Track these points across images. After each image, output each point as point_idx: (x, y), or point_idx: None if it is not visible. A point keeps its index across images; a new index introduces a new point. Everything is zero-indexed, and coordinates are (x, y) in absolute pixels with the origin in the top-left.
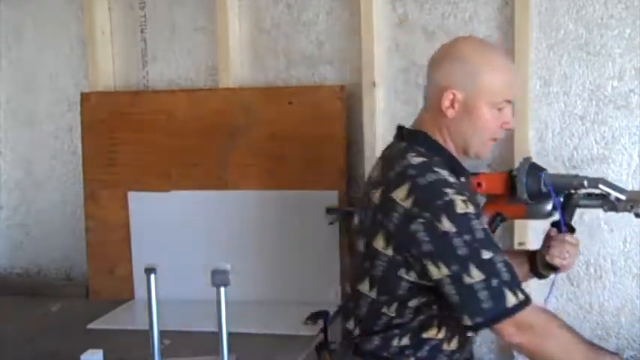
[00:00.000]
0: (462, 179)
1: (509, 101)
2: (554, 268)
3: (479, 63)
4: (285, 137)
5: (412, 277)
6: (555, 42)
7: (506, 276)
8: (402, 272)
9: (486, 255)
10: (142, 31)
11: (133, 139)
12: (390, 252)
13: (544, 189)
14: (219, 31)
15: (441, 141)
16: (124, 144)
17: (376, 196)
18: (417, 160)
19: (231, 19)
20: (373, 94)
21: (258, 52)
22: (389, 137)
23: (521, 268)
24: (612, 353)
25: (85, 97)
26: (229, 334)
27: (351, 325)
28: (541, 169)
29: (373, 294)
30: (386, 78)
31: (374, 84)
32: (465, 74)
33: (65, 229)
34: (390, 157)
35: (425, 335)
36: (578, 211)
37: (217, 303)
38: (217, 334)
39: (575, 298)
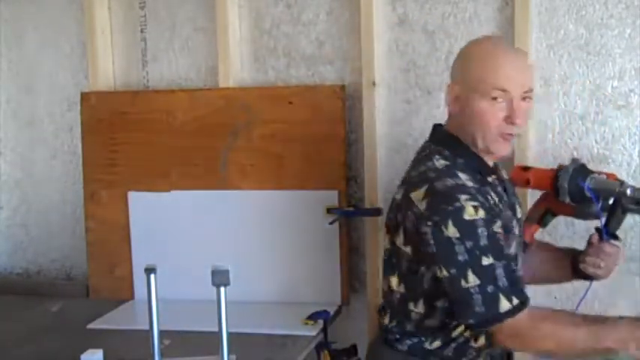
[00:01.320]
0: (492, 178)
1: (504, 90)
2: (588, 276)
3: (470, 54)
4: (285, 137)
5: (430, 274)
6: (555, 42)
7: (503, 282)
8: (422, 269)
9: (486, 261)
10: (142, 31)
11: (133, 139)
12: (409, 250)
13: (588, 194)
14: (219, 31)
15: (461, 137)
16: (124, 144)
17: (399, 195)
18: (440, 163)
19: (231, 19)
20: (373, 94)
21: (258, 52)
22: (389, 137)
23: (563, 270)
24: (617, 319)
25: (85, 97)
26: (229, 334)
27: (386, 319)
28: (587, 174)
29: (402, 289)
30: (386, 78)
31: (374, 84)
32: (459, 68)
33: (65, 229)
34: (418, 158)
35: (454, 334)
36: None
37: (217, 303)
38: (217, 334)
39: (576, 298)
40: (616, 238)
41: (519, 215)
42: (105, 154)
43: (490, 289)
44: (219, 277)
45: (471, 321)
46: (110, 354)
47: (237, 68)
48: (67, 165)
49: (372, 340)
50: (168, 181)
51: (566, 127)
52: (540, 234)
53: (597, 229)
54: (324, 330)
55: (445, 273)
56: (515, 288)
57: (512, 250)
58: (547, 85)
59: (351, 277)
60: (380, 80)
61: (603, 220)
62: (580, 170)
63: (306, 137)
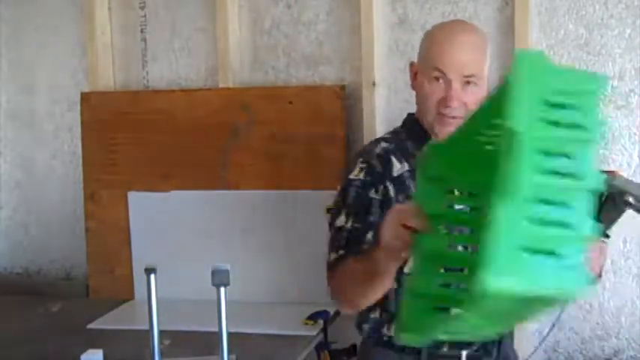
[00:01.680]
0: None
1: (442, 72)
2: None
3: (426, 36)
4: (285, 137)
5: None
6: (555, 42)
7: (342, 242)
8: None
9: (340, 222)
10: (142, 31)
11: (133, 139)
12: None
13: None
14: (219, 31)
15: (421, 118)
16: (124, 144)
17: None
18: (385, 136)
19: (231, 19)
20: (373, 94)
21: (258, 52)
22: None
23: None
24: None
25: (85, 97)
26: (229, 334)
27: None
28: None
29: None
30: (386, 78)
31: (374, 84)
32: (419, 47)
33: (65, 229)
34: None
35: (372, 315)
36: None
37: (217, 303)
38: (217, 334)
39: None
40: (606, 235)
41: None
42: (105, 154)
43: (330, 244)
44: (219, 277)
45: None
46: (110, 354)
47: (237, 68)
48: (67, 165)
49: None
50: (168, 181)
51: None
52: None
53: None
54: (324, 330)
55: None
56: (348, 247)
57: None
58: None
59: None
60: (380, 80)
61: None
62: None
63: (306, 137)
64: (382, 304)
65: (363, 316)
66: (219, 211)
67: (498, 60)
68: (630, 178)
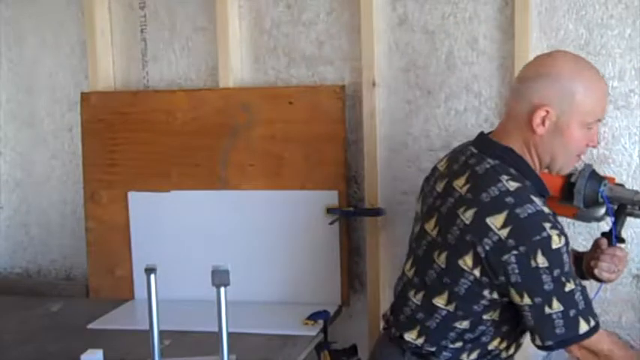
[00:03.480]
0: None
1: (600, 120)
2: (601, 279)
3: (575, 83)
4: (285, 137)
5: (495, 295)
6: (555, 42)
7: (582, 305)
8: (486, 292)
9: (569, 287)
10: (142, 31)
11: (133, 139)
12: (477, 273)
13: (601, 200)
14: (219, 31)
15: (527, 158)
16: (124, 144)
17: (467, 216)
18: (512, 185)
19: (231, 19)
20: (373, 94)
21: (258, 52)
22: (389, 137)
23: None
24: None
25: (85, 97)
26: (229, 334)
27: (413, 335)
28: (601, 179)
29: (451, 308)
30: (386, 78)
31: (374, 84)
32: (560, 93)
33: (65, 229)
34: (482, 176)
35: (490, 347)
36: None
37: (217, 303)
38: (217, 334)
39: None
40: (623, 241)
41: None
42: (105, 154)
43: (572, 313)
44: (219, 277)
45: (549, 342)
46: (110, 354)
47: (237, 68)
48: (67, 165)
49: (385, 352)
50: (169, 181)
51: None
52: None
53: (604, 234)
54: (324, 330)
55: (528, 301)
56: (590, 309)
57: None
58: None
59: (351, 277)
60: (380, 80)
61: (612, 224)
62: (593, 176)
63: (306, 137)
64: (468, 336)
65: (439, 346)
66: (219, 211)
67: (498, 60)
68: (630, 179)
